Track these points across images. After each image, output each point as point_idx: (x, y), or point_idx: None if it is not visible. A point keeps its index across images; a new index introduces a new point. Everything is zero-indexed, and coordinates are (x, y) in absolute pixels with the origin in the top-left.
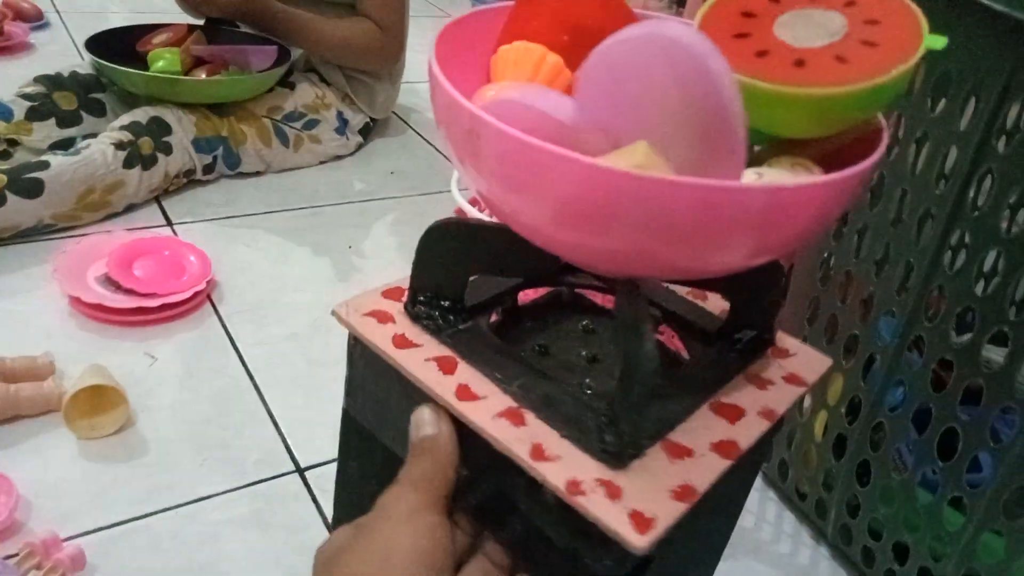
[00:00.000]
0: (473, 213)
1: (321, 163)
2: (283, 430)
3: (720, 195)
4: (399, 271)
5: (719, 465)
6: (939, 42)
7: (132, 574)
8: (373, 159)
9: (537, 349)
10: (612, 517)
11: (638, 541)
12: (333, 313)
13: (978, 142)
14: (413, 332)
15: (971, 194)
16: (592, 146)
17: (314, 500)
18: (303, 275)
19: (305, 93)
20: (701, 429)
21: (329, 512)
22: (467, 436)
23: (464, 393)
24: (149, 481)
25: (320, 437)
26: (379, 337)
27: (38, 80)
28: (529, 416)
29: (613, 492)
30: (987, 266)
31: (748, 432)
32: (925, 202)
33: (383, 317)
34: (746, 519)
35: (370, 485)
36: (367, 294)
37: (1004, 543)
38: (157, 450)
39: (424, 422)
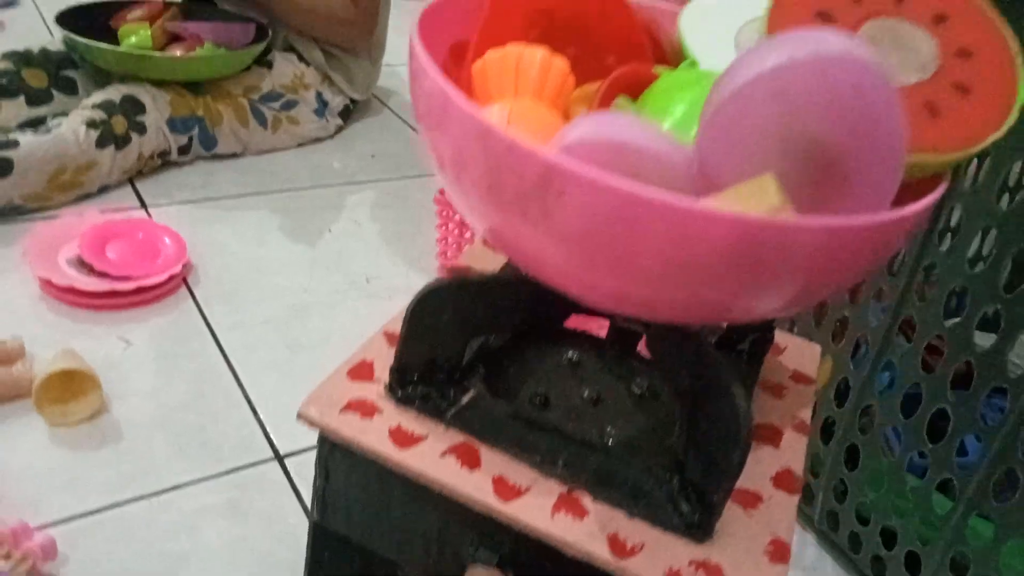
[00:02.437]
0: None
1: (300, 145)
2: (261, 416)
3: (893, 228)
4: (380, 256)
5: (790, 503)
6: None
7: (105, 564)
8: (353, 142)
9: (537, 401)
10: None
11: None
12: (301, 417)
13: None
14: (409, 421)
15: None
16: (698, 184)
17: (293, 488)
18: (281, 259)
19: (283, 73)
20: (752, 463)
21: (308, 500)
22: (508, 537)
23: (504, 489)
24: (123, 468)
25: (299, 424)
26: (371, 438)
27: (7, 56)
28: (586, 500)
29: (715, 574)
30: (977, 247)
31: (795, 453)
32: None
33: (365, 409)
34: None
35: None
36: (332, 380)
37: (992, 527)
38: (131, 436)
39: None
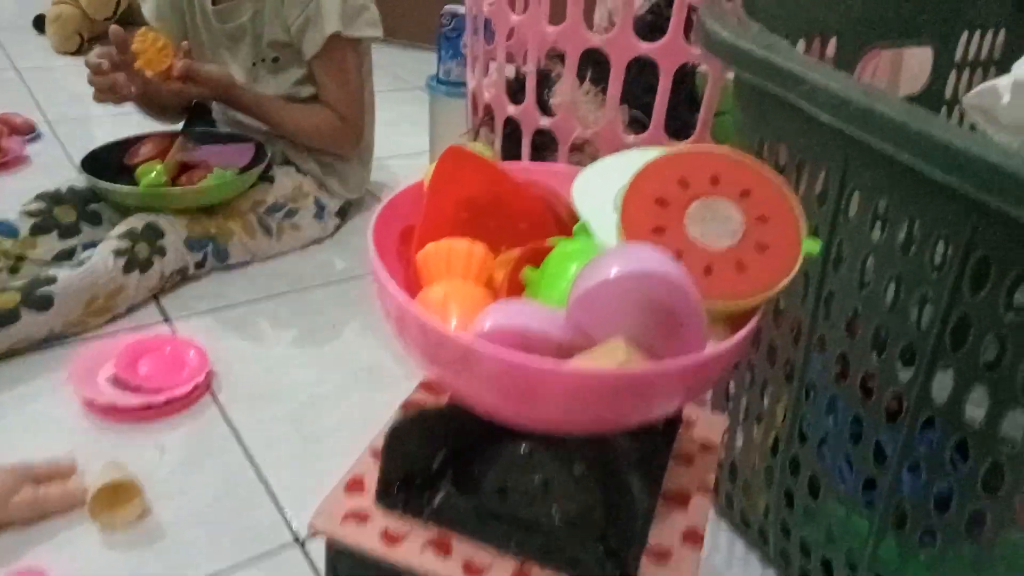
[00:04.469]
0: None
1: (303, 247)
2: (283, 506)
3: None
4: (380, 346)
5: (693, 557)
6: (815, 247)
7: None
8: (351, 238)
9: (497, 492)
10: None
11: None
12: (311, 528)
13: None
14: (395, 522)
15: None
16: (574, 344)
17: (313, 568)
18: (292, 357)
19: (284, 185)
20: (666, 525)
21: None
22: None
23: (471, 570)
24: (167, 563)
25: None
26: (366, 539)
27: (40, 197)
28: (535, 570)
29: None
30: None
31: (700, 513)
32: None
33: (360, 516)
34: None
35: None
36: (333, 496)
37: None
38: (172, 534)
39: None
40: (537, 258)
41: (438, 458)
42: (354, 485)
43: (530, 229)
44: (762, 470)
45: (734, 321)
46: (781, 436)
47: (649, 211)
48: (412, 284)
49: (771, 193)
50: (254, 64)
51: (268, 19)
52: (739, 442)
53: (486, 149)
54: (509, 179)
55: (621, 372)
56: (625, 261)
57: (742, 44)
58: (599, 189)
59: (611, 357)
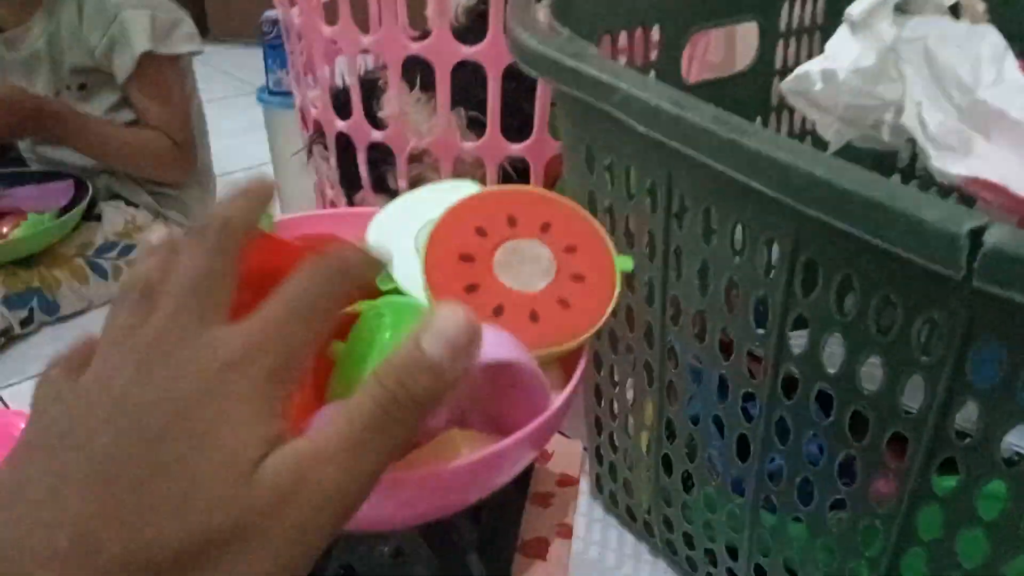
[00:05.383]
0: None
1: None
2: None
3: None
4: None
5: None
6: (628, 264)
7: None
8: None
9: (342, 572)
10: None
11: None
12: None
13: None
14: None
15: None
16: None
17: None
18: None
19: (114, 222)
20: None
21: None
22: None
23: None
24: None
25: None
26: None
27: None
28: None
29: None
30: None
31: (559, 560)
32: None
33: None
34: (591, 551)
35: None
36: None
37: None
38: None
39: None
40: (343, 328)
41: None
42: None
43: None
44: (640, 469)
45: (564, 360)
46: (652, 437)
47: (456, 271)
48: None
49: (572, 221)
50: (57, 93)
51: (67, 43)
52: (615, 439)
53: (266, 219)
54: (291, 246)
55: (458, 466)
56: None
57: (551, 54)
58: (399, 230)
59: (448, 452)
